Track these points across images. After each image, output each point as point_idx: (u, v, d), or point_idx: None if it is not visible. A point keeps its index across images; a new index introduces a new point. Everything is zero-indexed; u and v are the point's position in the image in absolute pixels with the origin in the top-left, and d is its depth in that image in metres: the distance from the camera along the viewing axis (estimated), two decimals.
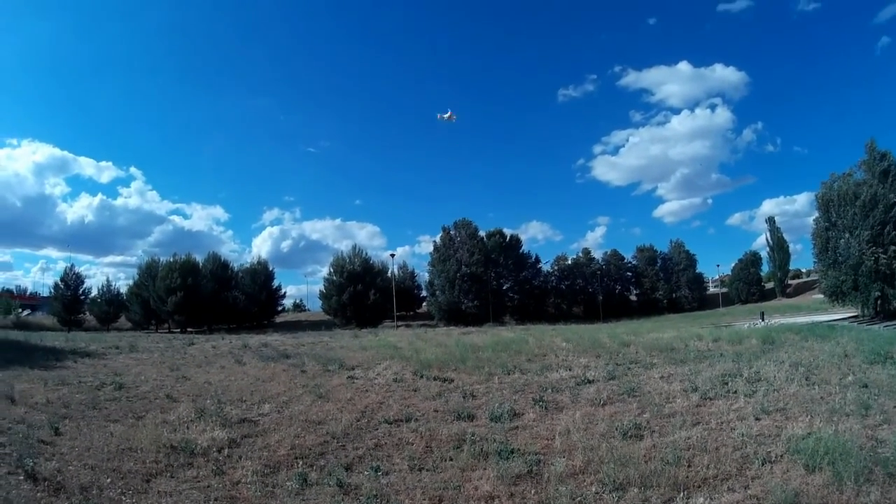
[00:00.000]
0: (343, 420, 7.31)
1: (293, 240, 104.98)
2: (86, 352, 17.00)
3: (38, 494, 4.59)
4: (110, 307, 55.98)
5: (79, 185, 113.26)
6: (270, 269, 61.01)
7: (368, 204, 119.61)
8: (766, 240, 66.10)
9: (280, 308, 63.80)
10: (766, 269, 66.77)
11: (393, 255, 57.43)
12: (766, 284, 66.34)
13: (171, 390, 10.08)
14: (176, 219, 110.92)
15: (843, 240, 27.72)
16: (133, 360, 15.43)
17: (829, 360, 9.99)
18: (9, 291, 69.55)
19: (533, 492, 4.70)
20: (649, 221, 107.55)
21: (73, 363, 14.13)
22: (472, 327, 34.19)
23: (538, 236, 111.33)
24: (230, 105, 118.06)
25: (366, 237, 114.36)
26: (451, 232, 58.97)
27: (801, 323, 19.80)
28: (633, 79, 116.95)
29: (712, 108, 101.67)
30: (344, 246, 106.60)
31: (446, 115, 53.33)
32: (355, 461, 5.76)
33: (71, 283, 54.39)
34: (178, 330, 51.02)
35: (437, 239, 59.40)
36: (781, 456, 5.14)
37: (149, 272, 54.80)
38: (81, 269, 63.57)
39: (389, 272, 56.33)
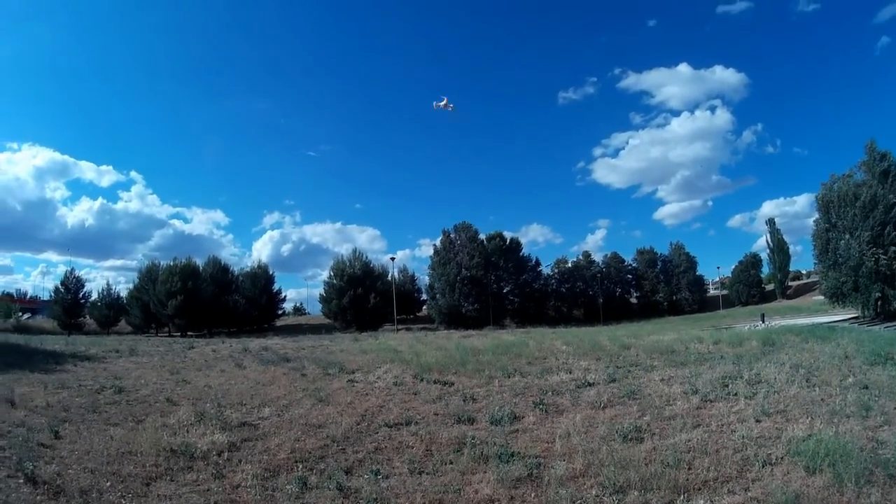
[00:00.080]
0: (343, 423, 7.29)
1: (293, 243, 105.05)
2: (86, 355, 17.00)
3: (38, 498, 4.59)
4: (110, 311, 55.92)
5: (79, 189, 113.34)
6: (271, 272, 61.12)
7: (369, 207, 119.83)
8: (767, 241, 66.07)
9: (280, 312, 63.71)
10: (766, 270, 66.80)
11: (393, 259, 58.07)
12: (766, 286, 66.26)
13: (171, 394, 10.07)
14: (176, 223, 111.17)
15: (843, 241, 27.75)
16: (133, 363, 15.42)
17: (829, 362, 9.97)
18: (9, 295, 69.90)
19: (533, 495, 4.69)
20: (650, 224, 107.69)
21: (73, 367, 14.12)
22: (473, 330, 34.22)
23: (538, 239, 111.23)
24: (230, 108, 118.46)
25: (366, 241, 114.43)
26: (452, 235, 59.01)
27: (801, 324, 19.79)
28: (632, 81, 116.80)
29: (712, 109, 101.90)
30: (344, 249, 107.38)
31: (442, 104, 51.84)
32: (355, 465, 5.75)
33: (71, 286, 54.36)
34: (179, 334, 51.03)
35: (438, 242, 59.57)
36: (782, 458, 5.14)
37: (149, 276, 54.78)
38: (82, 273, 63.55)
39: (390, 276, 56.45)
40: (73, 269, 57.18)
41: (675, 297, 65.27)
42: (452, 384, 10.23)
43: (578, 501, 4.49)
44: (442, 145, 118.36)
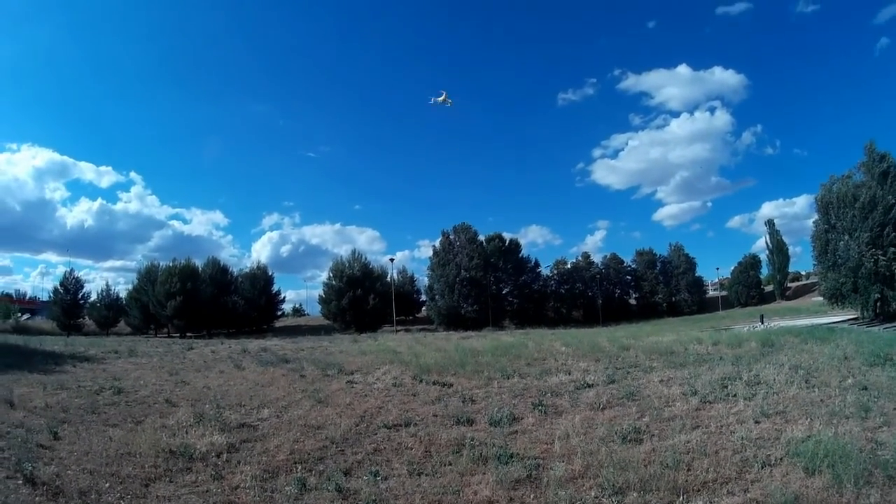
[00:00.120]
0: (342, 425, 7.29)
1: (293, 244, 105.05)
2: (85, 356, 16.98)
3: (37, 499, 4.58)
4: (109, 312, 55.86)
5: (78, 189, 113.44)
6: (270, 273, 61.16)
7: (368, 209, 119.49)
8: (766, 242, 66.19)
9: (279, 313, 63.71)
10: (765, 271, 66.89)
11: (392, 260, 57.56)
12: (765, 287, 66.32)
13: (171, 395, 10.06)
14: (175, 224, 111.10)
15: (842, 242, 27.79)
16: (132, 364, 15.40)
17: (828, 363, 9.98)
18: (8, 296, 69.80)
19: (532, 496, 4.70)
20: (649, 225, 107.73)
21: (73, 367, 14.11)
22: (472, 332, 34.22)
23: (538, 240, 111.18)
24: (230, 110, 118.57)
25: (365, 242, 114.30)
26: (451, 236, 59.05)
27: (800, 325, 19.81)
28: (632, 82, 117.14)
29: (712, 110, 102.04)
30: (343, 251, 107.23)
31: (440, 99, 50.14)
32: (354, 466, 5.75)
33: (70, 287, 54.36)
34: (178, 334, 51.00)
35: (437, 243, 59.58)
36: (781, 459, 5.14)
37: (148, 277, 54.80)
38: (81, 274, 63.37)
39: (389, 277, 56.47)
40: (72, 270, 57.41)
41: (674, 299, 65.34)
42: (451, 385, 10.23)
43: (577, 503, 4.49)
44: (441, 147, 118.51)
